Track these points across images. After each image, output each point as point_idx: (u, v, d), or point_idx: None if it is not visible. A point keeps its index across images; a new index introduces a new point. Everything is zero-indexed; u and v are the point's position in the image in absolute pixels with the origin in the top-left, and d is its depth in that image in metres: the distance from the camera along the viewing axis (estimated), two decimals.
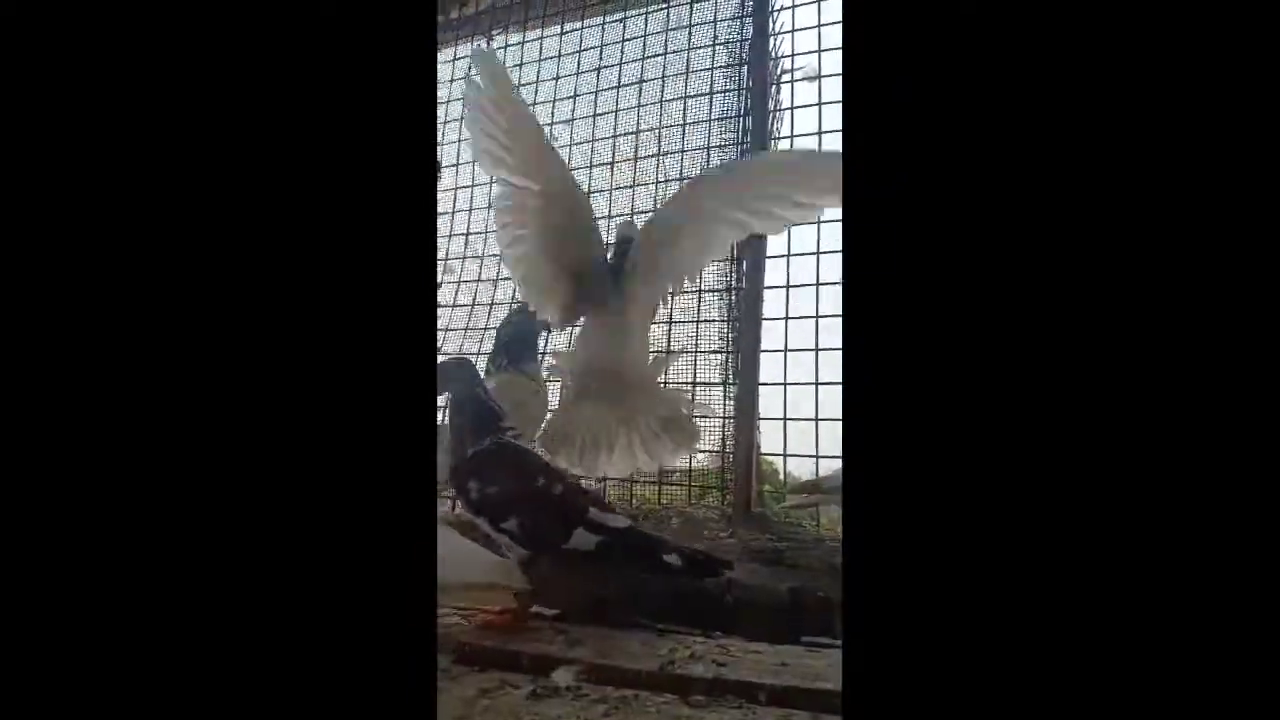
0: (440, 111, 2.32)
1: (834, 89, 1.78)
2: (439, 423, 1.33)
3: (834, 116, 1.76)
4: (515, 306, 1.83)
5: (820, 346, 1.61)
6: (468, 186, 2.23)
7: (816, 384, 1.60)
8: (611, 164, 2.01)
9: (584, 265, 1.41)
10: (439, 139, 2.28)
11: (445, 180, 2.24)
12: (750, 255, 1.73)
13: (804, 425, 1.60)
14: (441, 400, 1.30)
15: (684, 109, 1.95)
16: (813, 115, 1.80)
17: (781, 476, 1.73)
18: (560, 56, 2.17)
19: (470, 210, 2.22)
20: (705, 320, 1.75)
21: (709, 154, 1.89)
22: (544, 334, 1.64)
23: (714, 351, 1.74)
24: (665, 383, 1.67)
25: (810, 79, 1.84)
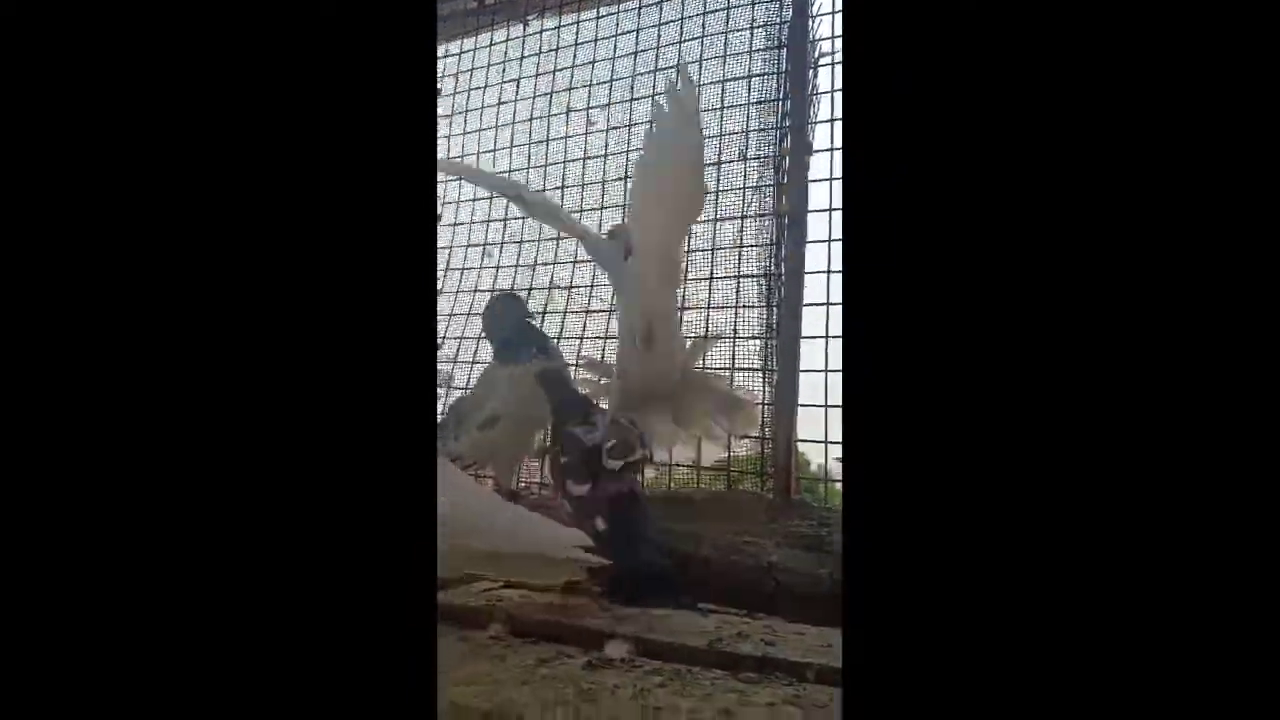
0: (476, 98, 2.33)
1: None
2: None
3: None
4: (497, 294, 1.85)
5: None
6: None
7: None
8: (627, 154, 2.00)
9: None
10: (474, 125, 2.30)
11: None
12: (791, 242, 1.72)
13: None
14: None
15: (721, 93, 1.94)
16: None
17: (814, 467, 1.73)
18: (596, 41, 2.16)
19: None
20: (744, 306, 1.74)
21: (748, 138, 1.88)
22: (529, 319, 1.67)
23: (753, 338, 1.74)
24: (704, 368, 1.68)
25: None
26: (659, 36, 2.07)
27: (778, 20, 1.92)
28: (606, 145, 2.08)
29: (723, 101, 1.94)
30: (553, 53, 2.24)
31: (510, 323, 1.64)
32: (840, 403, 1.60)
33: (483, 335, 1.90)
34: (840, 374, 1.62)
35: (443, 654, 0.82)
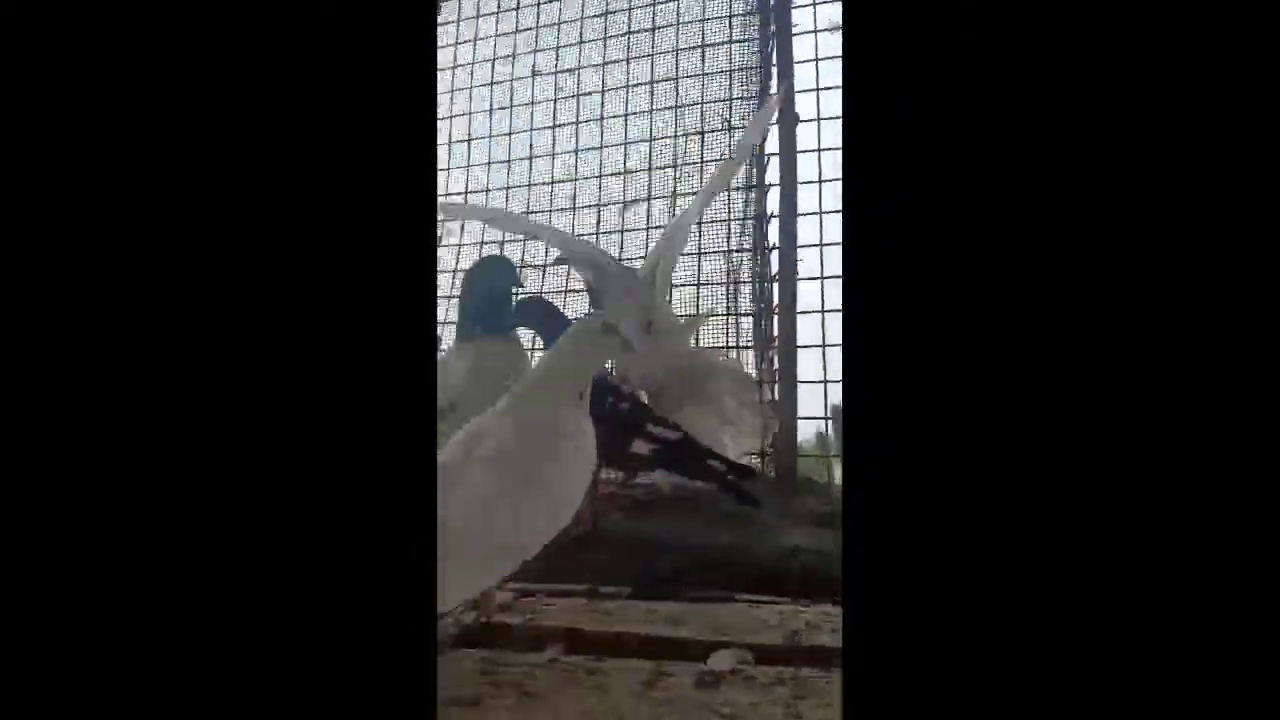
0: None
1: None
2: None
3: None
4: (484, 257, 1.69)
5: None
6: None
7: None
8: (625, 116, 1.92)
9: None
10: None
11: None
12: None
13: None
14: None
15: (701, 58, 1.87)
16: (836, 67, 1.75)
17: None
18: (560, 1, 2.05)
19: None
20: (739, 281, 1.71)
21: (730, 106, 1.83)
22: (516, 289, 1.46)
23: (745, 314, 1.71)
24: (697, 343, 1.64)
25: (834, 30, 1.78)
26: None
27: None
28: (577, 113, 1.98)
29: (702, 68, 1.87)
30: (514, 11, 2.11)
31: (495, 290, 1.40)
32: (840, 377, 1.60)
33: None
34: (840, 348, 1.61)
35: (529, 686, 0.76)
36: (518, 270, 1.59)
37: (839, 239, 1.62)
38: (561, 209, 1.92)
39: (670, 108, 1.89)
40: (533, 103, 2.02)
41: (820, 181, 1.70)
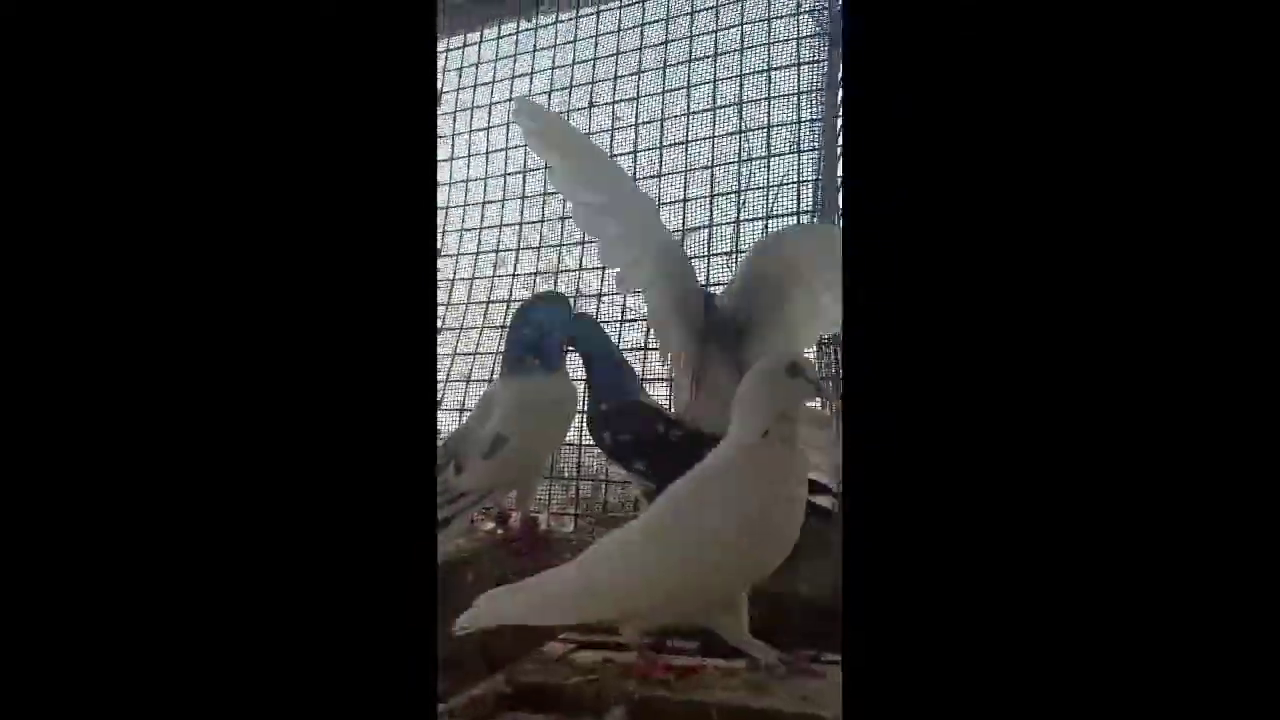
0: (483, 94, 2.15)
1: None
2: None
3: None
4: (535, 295, 1.60)
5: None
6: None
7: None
8: (685, 143, 1.84)
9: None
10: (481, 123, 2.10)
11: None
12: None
13: None
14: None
15: (768, 81, 1.78)
16: None
17: None
18: (620, 31, 2.00)
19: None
20: None
21: (800, 129, 1.72)
22: (567, 326, 1.38)
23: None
24: None
25: None
26: (692, 23, 1.90)
27: (824, 5, 1.78)
28: (636, 141, 1.90)
29: (769, 91, 1.78)
30: (570, 45, 2.07)
31: (547, 327, 1.35)
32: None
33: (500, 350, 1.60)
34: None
35: None
36: (572, 306, 1.52)
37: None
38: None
39: (735, 133, 1.79)
40: (589, 132, 1.95)
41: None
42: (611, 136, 1.94)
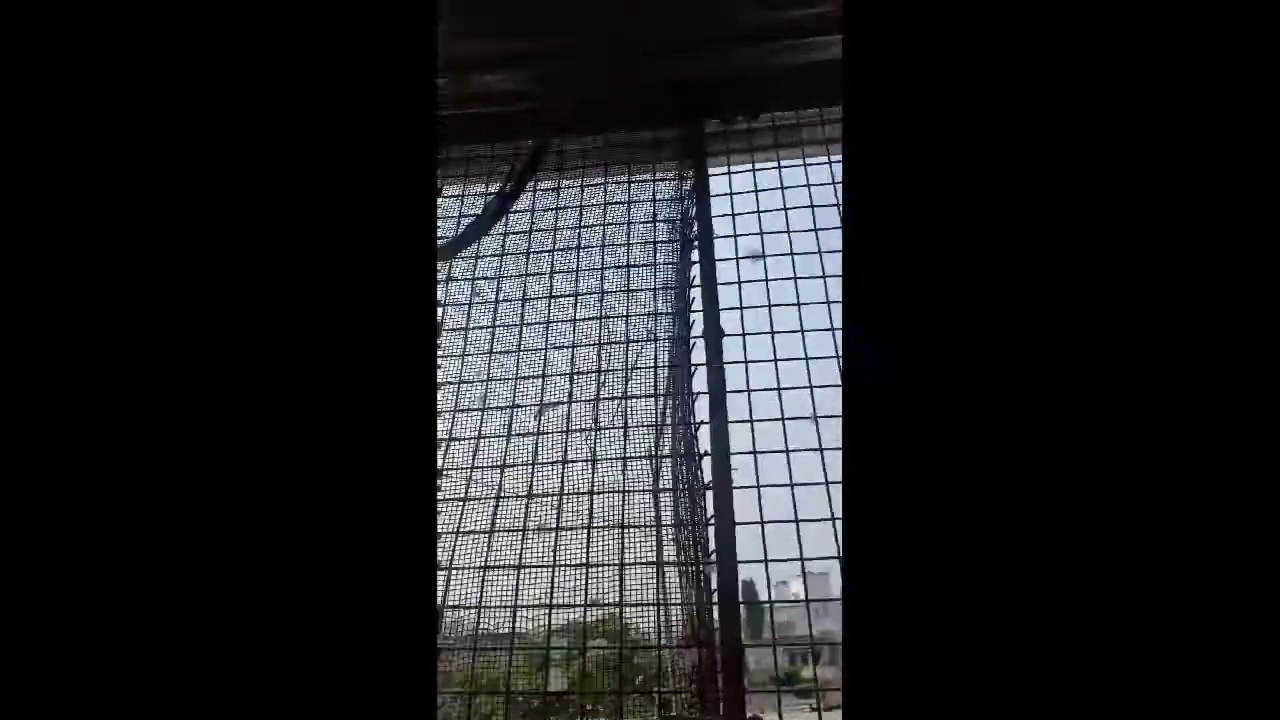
0: None
1: (778, 267, 1.85)
2: None
3: (780, 291, 1.81)
4: None
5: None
6: None
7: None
8: (547, 323, 1.89)
9: None
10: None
11: None
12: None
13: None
14: None
15: (628, 276, 1.91)
16: (760, 290, 1.84)
17: None
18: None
19: None
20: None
21: (656, 320, 1.84)
22: None
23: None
24: None
25: (755, 258, 1.89)
26: (557, 218, 2.04)
27: (679, 217, 1.98)
28: (496, 317, 1.93)
29: (629, 284, 1.90)
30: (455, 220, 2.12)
31: None
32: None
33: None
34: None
35: None
36: None
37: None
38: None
39: (594, 318, 1.88)
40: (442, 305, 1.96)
41: (749, 391, 1.69)
42: (469, 309, 1.96)
